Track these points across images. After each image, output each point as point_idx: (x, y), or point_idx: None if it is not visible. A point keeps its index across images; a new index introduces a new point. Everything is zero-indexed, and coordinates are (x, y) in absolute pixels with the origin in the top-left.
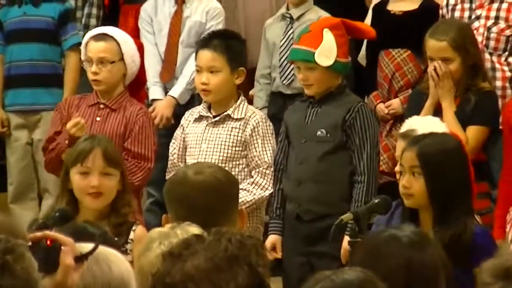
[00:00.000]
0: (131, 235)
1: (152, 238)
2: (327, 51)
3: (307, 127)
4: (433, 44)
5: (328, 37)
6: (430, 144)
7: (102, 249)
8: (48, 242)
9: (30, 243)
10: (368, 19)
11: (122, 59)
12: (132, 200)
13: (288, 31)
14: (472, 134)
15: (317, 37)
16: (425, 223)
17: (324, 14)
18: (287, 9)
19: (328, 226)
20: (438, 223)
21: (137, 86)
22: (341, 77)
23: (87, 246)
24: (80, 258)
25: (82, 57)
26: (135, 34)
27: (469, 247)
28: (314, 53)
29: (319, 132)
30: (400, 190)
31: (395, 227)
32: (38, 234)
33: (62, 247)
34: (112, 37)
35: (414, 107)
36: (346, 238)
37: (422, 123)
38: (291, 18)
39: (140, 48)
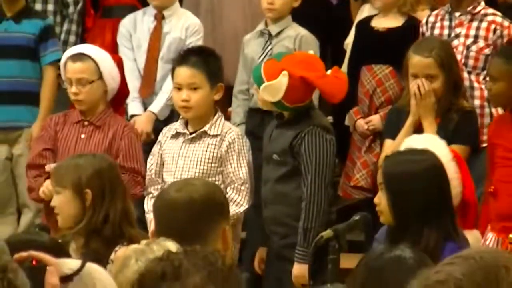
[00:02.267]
0: (112, 256)
1: (128, 255)
2: (273, 90)
3: (266, 148)
4: (418, 60)
5: (282, 80)
6: (397, 162)
7: (87, 265)
8: (33, 262)
9: (15, 263)
10: (352, 35)
11: (101, 77)
12: (96, 215)
13: (267, 47)
14: None
15: (275, 72)
16: None
17: (303, 31)
18: (266, 25)
19: (289, 245)
20: (392, 240)
21: (119, 99)
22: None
23: (73, 263)
24: (65, 278)
25: (63, 77)
26: (113, 49)
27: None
28: (264, 82)
29: (274, 156)
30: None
31: (397, 248)
32: (24, 254)
33: (47, 267)
34: (89, 56)
35: (392, 125)
36: (296, 265)
37: (422, 142)
38: (270, 34)
39: (120, 63)
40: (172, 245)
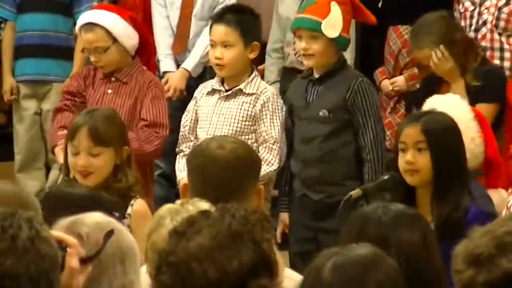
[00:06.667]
0: (129, 210)
1: (162, 215)
2: (334, 23)
3: (309, 107)
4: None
5: (336, 10)
6: (434, 119)
7: (111, 221)
8: None
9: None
10: None
11: (115, 41)
12: (130, 173)
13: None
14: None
15: (324, 9)
16: (423, 201)
17: None
18: None
19: (335, 203)
20: (437, 199)
21: (145, 50)
22: (340, 53)
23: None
24: (85, 260)
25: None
26: (144, 6)
27: (461, 224)
28: (320, 23)
29: (321, 113)
30: (403, 167)
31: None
32: None
33: (68, 249)
34: (98, 24)
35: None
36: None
37: (443, 102)
38: None
39: (139, 22)
40: (206, 205)
